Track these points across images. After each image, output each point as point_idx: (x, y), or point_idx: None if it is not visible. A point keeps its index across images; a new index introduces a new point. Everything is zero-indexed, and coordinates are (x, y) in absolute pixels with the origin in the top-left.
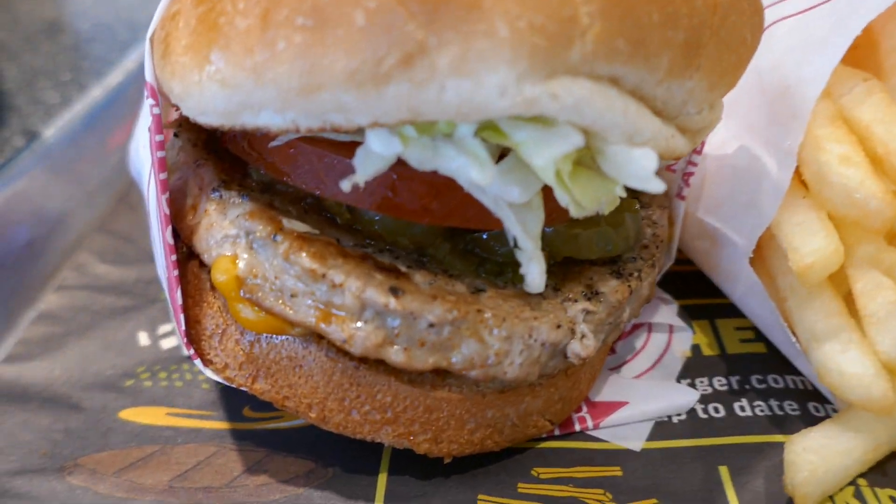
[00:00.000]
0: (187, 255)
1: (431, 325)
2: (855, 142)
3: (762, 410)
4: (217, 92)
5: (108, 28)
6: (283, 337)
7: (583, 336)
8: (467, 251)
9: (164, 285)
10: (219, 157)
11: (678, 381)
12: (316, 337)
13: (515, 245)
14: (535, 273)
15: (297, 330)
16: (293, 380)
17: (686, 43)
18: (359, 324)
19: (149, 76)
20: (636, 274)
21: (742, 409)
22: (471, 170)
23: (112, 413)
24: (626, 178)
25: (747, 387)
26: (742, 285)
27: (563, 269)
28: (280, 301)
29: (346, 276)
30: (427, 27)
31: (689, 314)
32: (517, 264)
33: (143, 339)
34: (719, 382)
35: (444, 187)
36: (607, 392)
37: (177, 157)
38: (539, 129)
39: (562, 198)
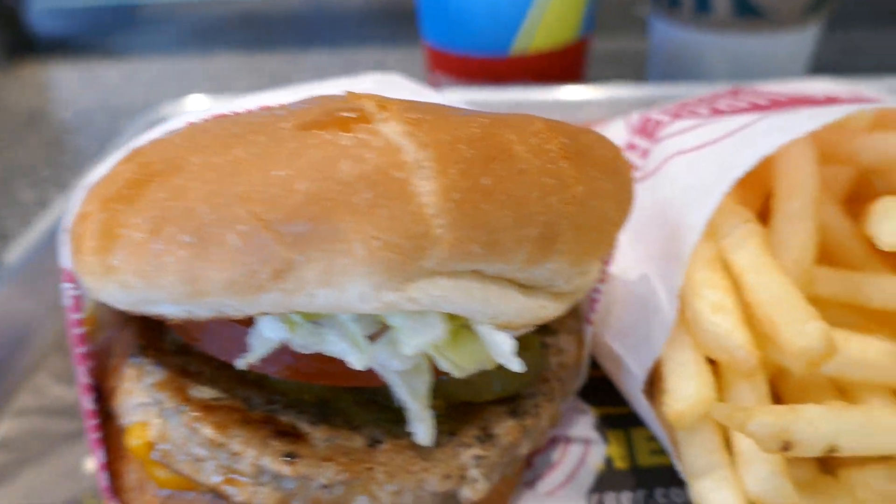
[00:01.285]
0: (111, 413)
1: (324, 486)
2: (729, 287)
3: None
4: (118, 290)
5: (89, 116)
6: (194, 493)
7: (474, 481)
8: (368, 401)
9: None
10: (139, 317)
11: (590, 495)
12: (220, 493)
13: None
14: (421, 431)
15: (205, 487)
16: None
17: (542, 236)
18: (257, 487)
19: (65, 262)
20: (533, 411)
21: None
22: (350, 355)
23: None
24: (492, 353)
25: (651, 501)
26: (641, 409)
27: (461, 411)
28: (188, 464)
29: (244, 446)
30: (294, 247)
31: (605, 424)
32: None
33: (89, 465)
34: (626, 497)
35: None
36: None
37: (106, 315)
38: (411, 315)
39: (442, 365)
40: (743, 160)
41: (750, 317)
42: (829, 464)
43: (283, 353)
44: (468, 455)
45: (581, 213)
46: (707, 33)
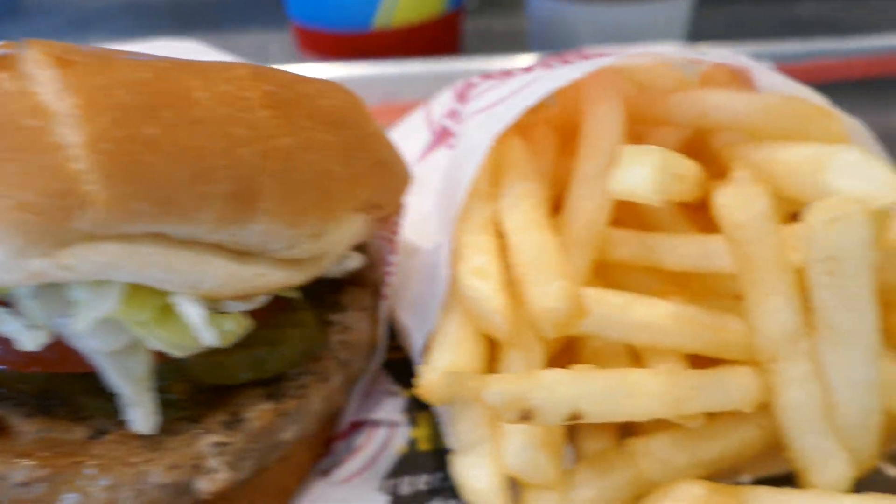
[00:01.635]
0: None
1: (22, 484)
2: (496, 250)
3: None
4: None
5: None
6: None
7: (212, 471)
8: (100, 389)
9: None
10: None
11: (386, 480)
12: None
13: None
14: (138, 417)
15: None
16: None
17: (233, 194)
18: None
19: None
20: (296, 393)
21: None
22: (21, 335)
23: None
24: (192, 327)
25: (447, 483)
26: None
27: (211, 396)
28: None
29: None
30: None
31: (416, 406)
32: None
33: None
34: (423, 480)
35: None
36: (304, 499)
37: None
38: (90, 287)
39: (154, 345)
40: (507, 116)
41: (514, 282)
42: (627, 434)
43: None
44: (206, 443)
45: (290, 169)
46: (581, 5)
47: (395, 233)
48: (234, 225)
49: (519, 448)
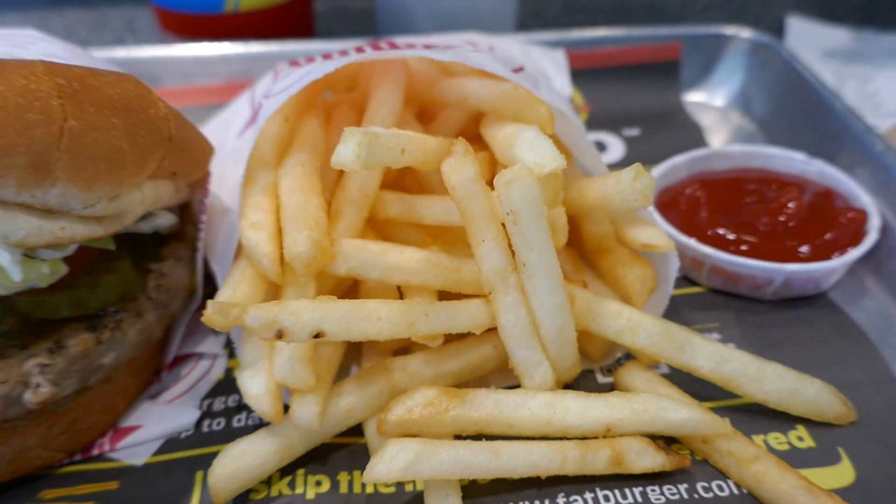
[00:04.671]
0: None
1: None
2: (273, 209)
3: (253, 420)
4: None
5: None
6: None
7: (37, 385)
8: None
9: None
10: None
11: (202, 401)
12: None
13: None
14: None
15: None
16: None
17: (31, 164)
18: None
19: None
20: (113, 325)
21: (239, 420)
22: None
23: None
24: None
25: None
26: None
27: (38, 329)
28: None
29: None
30: None
31: None
32: None
33: None
34: (232, 399)
35: None
36: (131, 418)
37: None
38: None
39: None
40: (282, 98)
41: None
42: None
43: None
44: (32, 363)
45: (77, 145)
46: None
47: (205, 195)
48: (35, 188)
49: (284, 361)
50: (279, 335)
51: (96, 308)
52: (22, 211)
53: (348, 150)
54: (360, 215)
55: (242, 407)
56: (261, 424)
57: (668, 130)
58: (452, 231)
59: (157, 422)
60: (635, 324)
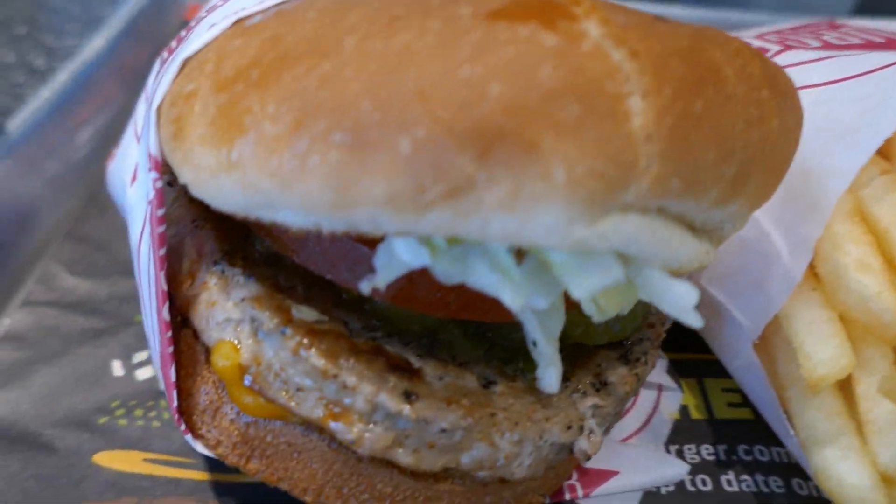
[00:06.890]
0: (180, 323)
1: (444, 430)
2: (872, 243)
3: (748, 486)
4: (235, 190)
5: None
6: (283, 423)
7: (590, 432)
8: (478, 335)
9: (155, 356)
10: (218, 217)
11: (667, 446)
12: (318, 427)
13: (534, 345)
14: (551, 377)
15: (299, 419)
16: (290, 464)
17: (735, 176)
18: (369, 425)
19: (153, 148)
20: (642, 358)
21: (729, 483)
22: (502, 291)
23: (86, 457)
24: (662, 305)
25: (734, 458)
26: (741, 362)
27: (572, 354)
28: (285, 393)
29: (359, 379)
30: (478, 162)
31: (677, 370)
32: (527, 351)
33: (117, 368)
34: (707, 451)
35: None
36: (598, 459)
37: (171, 208)
38: (576, 253)
39: (588, 307)
40: (893, 107)
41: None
42: None
43: (403, 276)
44: (586, 405)
45: (771, 154)
46: None
47: None
48: (721, 205)
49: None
50: None
51: (626, 334)
52: (684, 230)
53: None
54: None
55: (727, 463)
56: (760, 494)
57: None
58: None
59: (635, 470)
60: None
